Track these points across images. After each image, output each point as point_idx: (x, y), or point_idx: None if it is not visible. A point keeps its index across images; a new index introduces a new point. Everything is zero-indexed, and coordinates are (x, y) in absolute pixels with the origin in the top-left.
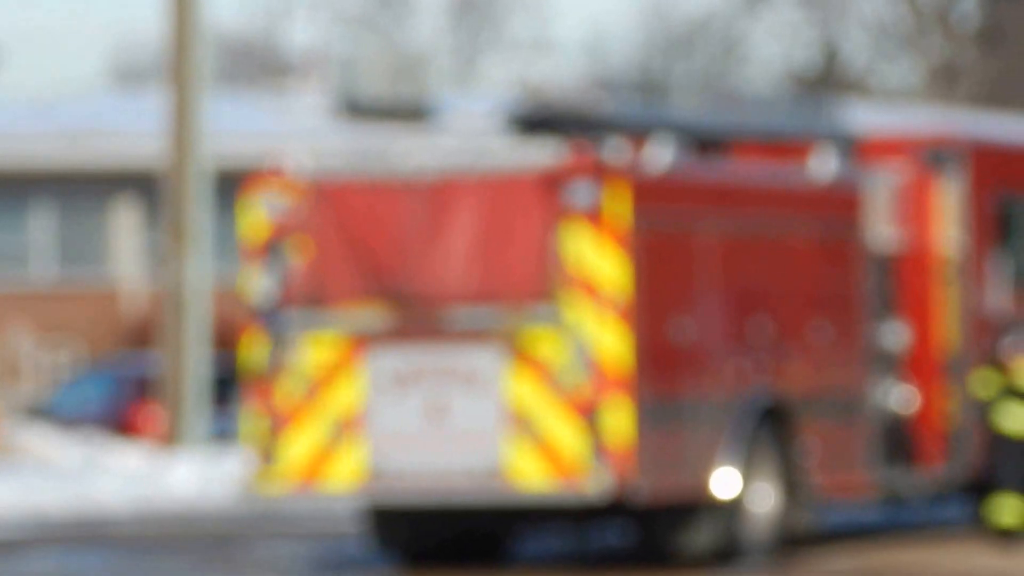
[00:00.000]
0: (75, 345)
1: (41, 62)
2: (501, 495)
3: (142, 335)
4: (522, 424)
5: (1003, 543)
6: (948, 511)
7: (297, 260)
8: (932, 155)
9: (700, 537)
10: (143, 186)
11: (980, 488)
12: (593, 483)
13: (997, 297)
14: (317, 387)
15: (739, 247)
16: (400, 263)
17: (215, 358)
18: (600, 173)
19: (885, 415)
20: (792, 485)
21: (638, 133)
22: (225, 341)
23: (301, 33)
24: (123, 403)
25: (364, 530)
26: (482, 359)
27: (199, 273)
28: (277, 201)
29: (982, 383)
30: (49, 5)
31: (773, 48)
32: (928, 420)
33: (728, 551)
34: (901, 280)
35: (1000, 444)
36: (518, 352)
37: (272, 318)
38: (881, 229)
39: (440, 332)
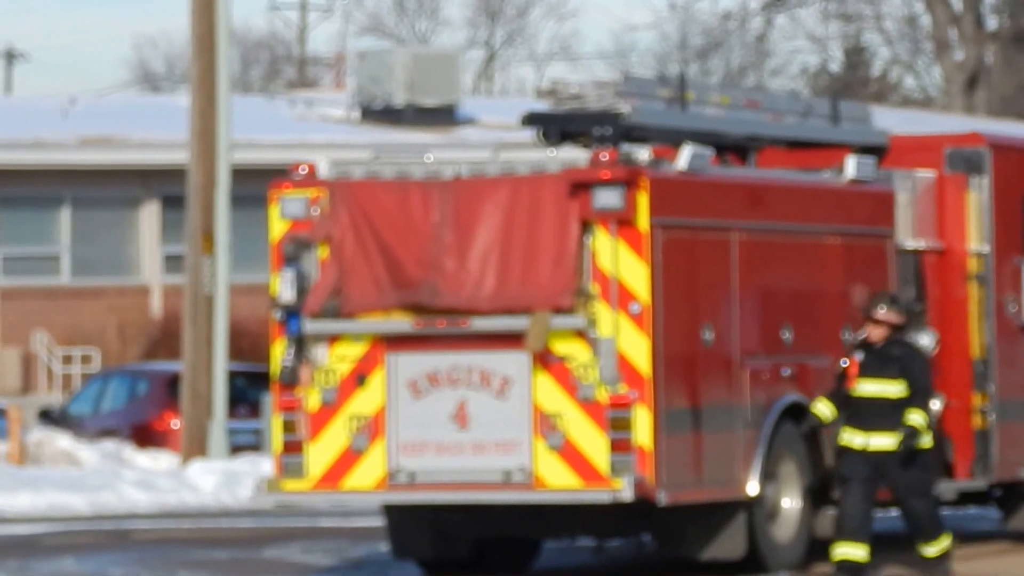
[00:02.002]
0: (96, 351)
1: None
2: (526, 495)
3: (165, 341)
4: (547, 427)
5: None
6: (978, 516)
7: (321, 265)
8: (959, 157)
9: (725, 542)
10: (168, 190)
11: (1007, 493)
12: (617, 484)
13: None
14: (341, 391)
15: (767, 250)
16: (425, 266)
17: (235, 364)
18: (626, 176)
19: None
20: (817, 490)
21: (664, 136)
22: (242, 347)
23: (324, 34)
24: (146, 409)
25: (385, 536)
26: (507, 363)
27: (223, 280)
28: (301, 205)
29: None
30: (73, 5)
31: (799, 49)
32: (958, 424)
33: (752, 555)
34: (931, 283)
35: None
36: (543, 356)
37: (297, 323)
38: (910, 232)
39: (465, 336)
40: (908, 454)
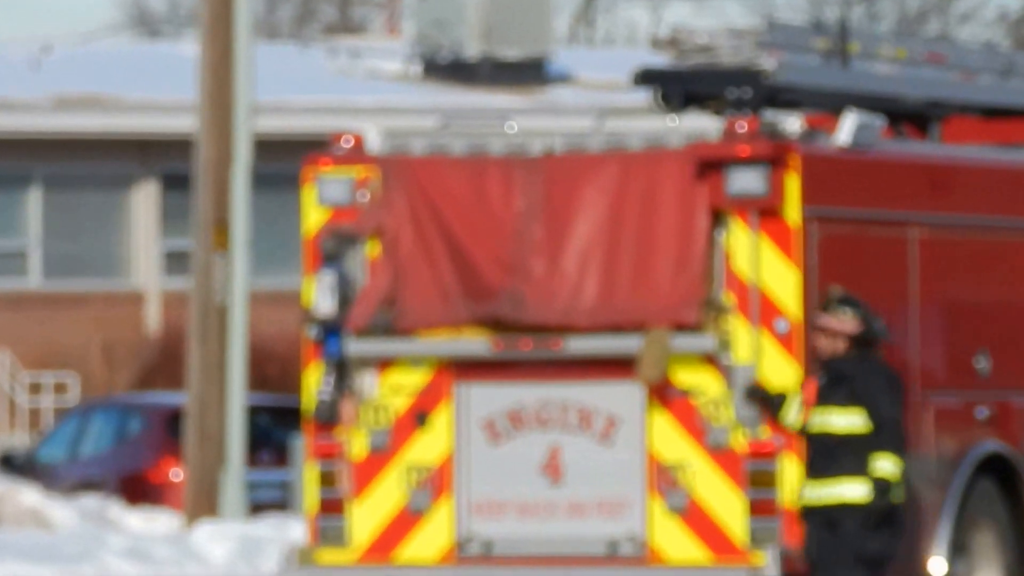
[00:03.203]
0: (74, 377)
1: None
2: (638, 573)
3: (165, 365)
4: (666, 483)
5: None
6: None
7: (371, 266)
8: None
9: None
10: (170, 167)
11: None
12: (758, 559)
13: None
14: (396, 433)
15: (956, 251)
16: (506, 269)
17: (256, 397)
18: (771, 153)
19: None
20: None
21: (820, 100)
22: (266, 374)
23: None
24: (139, 455)
25: None
26: (613, 398)
27: (241, 285)
28: (344, 188)
29: None
30: None
31: None
32: None
33: None
34: None
35: None
36: (661, 388)
37: (338, 343)
38: None
39: (558, 361)
40: (876, 515)
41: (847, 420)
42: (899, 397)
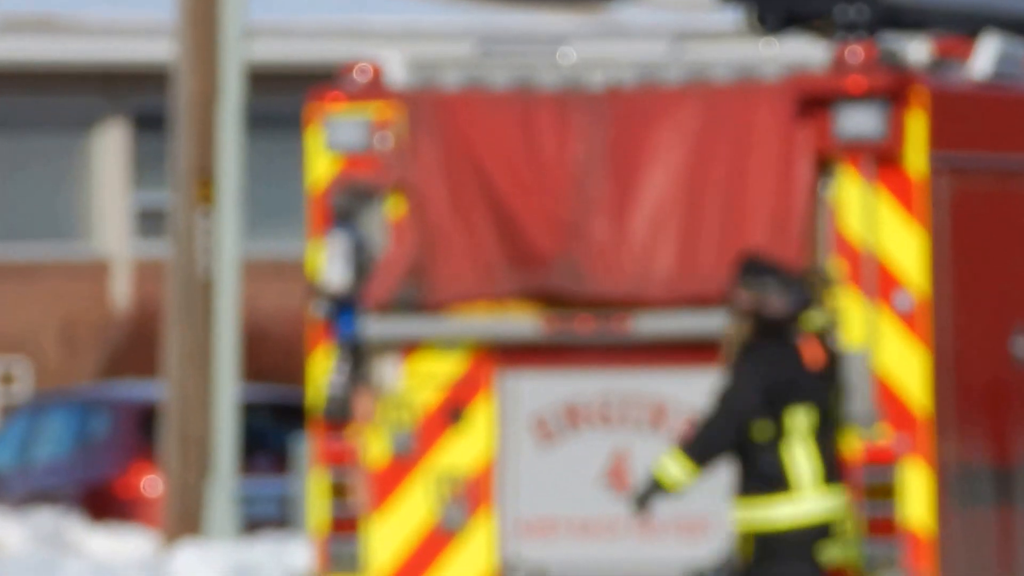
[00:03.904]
0: (25, 364)
1: None
2: None
3: (137, 350)
4: None
5: None
6: None
7: (393, 228)
8: None
9: None
10: (143, 105)
11: None
12: None
13: None
14: (424, 434)
15: None
16: (561, 231)
17: (251, 389)
18: (890, 86)
19: None
20: None
21: (951, 21)
22: (263, 362)
23: None
24: (105, 461)
25: None
26: (694, 390)
27: (231, 251)
28: (360, 131)
29: None
30: None
31: None
32: None
33: None
34: None
35: None
36: None
37: (353, 323)
38: None
39: (626, 345)
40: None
41: None
42: (729, 387)
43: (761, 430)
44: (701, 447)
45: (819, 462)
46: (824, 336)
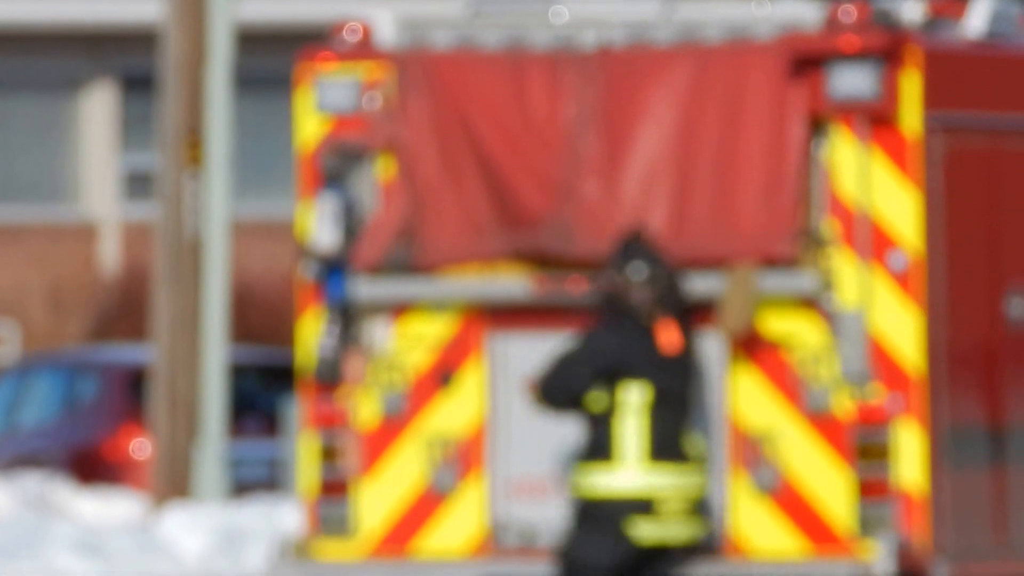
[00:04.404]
0: (13, 326)
1: None
2: (716, 570)
3: (125, 312)
4: (753, 457)
5: None
6: None
7: (383, 189)
8: None
9: None
10: (129, 66)
11: None
12: (867, 552)
13: None
14: (412, 396)
15: None
16: (552, 192)
17: (240, 351)
18: (884, 45)
19: None
20: None
21: None
22: (252, 324)
23: None
24: (93, 424)
25: None
26: None
27: (220, 213)
28: (349, 92)
29: None
30: None
31: None
32: None
33: None
34: None
35: None
36: (747, 340)
37: (342, 284)
38: None
39: None
40: None
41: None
42: (576, 361)
43: (596, 400)
44: (549, 391)
45: (649, 439)
46: (684, 322)
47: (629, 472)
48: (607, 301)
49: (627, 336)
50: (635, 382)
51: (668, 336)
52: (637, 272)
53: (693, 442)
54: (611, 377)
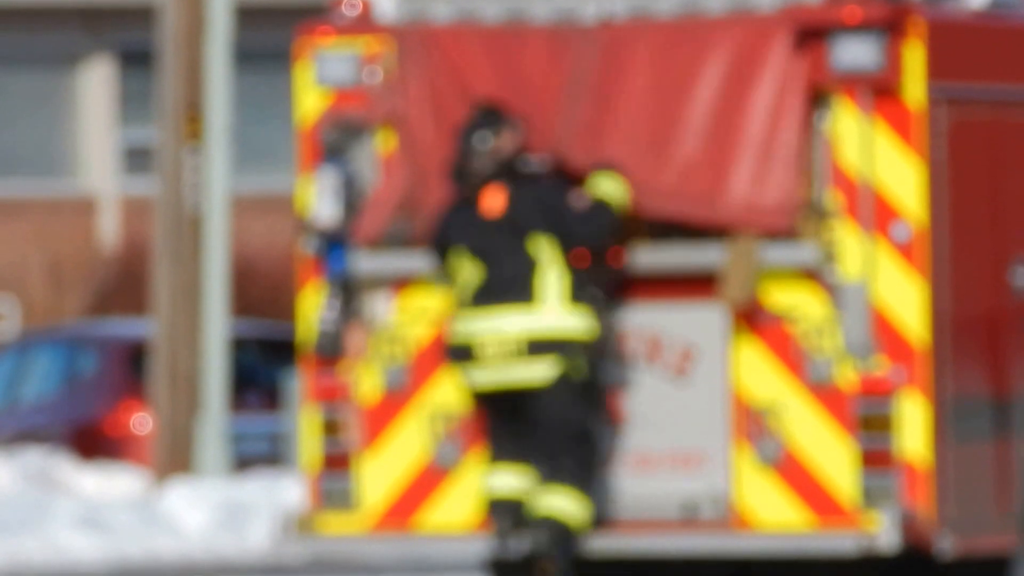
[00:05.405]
0: (12, 302)
1: None
2: (721, 541)
3: (125, 288)
4: (756, 429)
5: None
6: None
7: (383, 163)
8: None
9: None
10: (128, 40)
11: None
12: (871, 524)
13: None
14: (417, 370)
15: None
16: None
17: (241, 326)
18: (887, 17)
19: None
20: None
21: None
22: (251, 298)
23: None
24: (93, 399)
25: None
26: (689, 324)
27: (220, 188)
28: (349, 66)
29: None
30: None
31: None
32: None
33: None
34: None
35: None
36: (749, 312)
37: (344, 258)
38: None
39: (620, 279)
40: None
41: None
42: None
43: (451, 272)
44: None
45: (475, 287)
46: (511, 186)
47: (459, 320)
48: (455, 170)
49: (453, 208)
50: (455, 248)
51: (491, 201)
52: (481, 141)
53: (533, 287)
54: (443, 248)
